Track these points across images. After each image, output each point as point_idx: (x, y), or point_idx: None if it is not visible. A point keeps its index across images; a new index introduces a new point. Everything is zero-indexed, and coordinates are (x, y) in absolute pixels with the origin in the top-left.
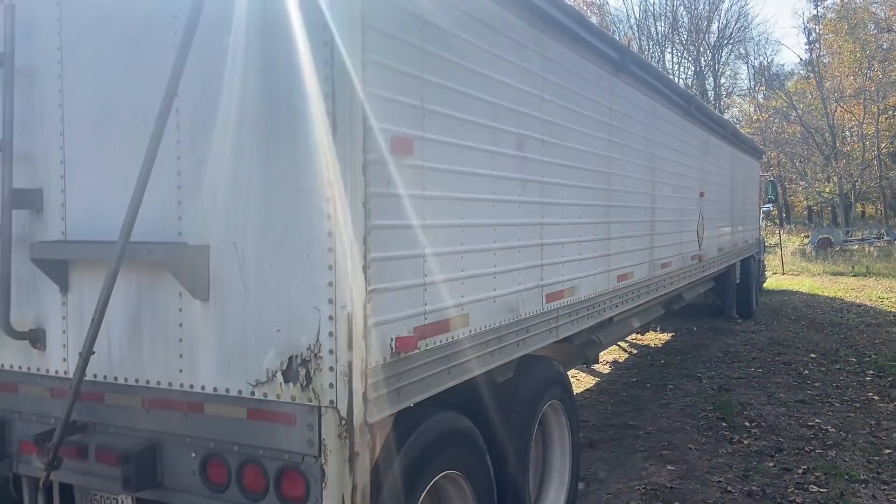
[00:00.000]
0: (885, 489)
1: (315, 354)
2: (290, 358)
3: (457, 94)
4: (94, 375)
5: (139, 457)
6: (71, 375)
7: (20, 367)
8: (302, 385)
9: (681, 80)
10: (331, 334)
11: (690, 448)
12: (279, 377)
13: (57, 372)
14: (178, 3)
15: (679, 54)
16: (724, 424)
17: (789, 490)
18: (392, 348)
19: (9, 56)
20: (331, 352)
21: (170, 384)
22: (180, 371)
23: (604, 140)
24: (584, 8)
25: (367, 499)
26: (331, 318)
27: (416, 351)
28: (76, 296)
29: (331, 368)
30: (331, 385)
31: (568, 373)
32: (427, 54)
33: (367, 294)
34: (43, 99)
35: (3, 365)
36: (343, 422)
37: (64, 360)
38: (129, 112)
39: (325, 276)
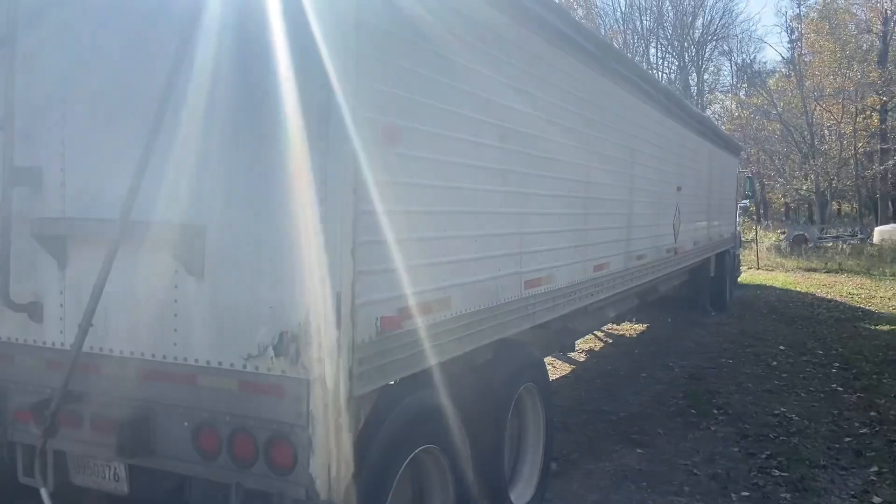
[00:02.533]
0: (843, 474)
1: (305, 331)
2: (282, 334)
3: (444, 87)
4: (91, 347)
5: (133, 425)
6: (67, 347)
7: (17, 339)
8: (292, 359)
9: (664, 76)
10: (321, 313)
11: (660, 433)
12: (270, 352)
13: (53, 343)
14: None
15: (663, 49)
16: (693, 411)
17: (752, 473)
18: (377, 327)
19: (11, 37)
20: (320, 328)
21: (164, 357)
22: (174, 344)
23: (584, 134)
24: (572, 1)
25: (350, 468)
26: (321, 296)
27: (400, 330)
28: (74, 271)
29: (320, 344)
30: (319, 360)
31: (544, 359)
32: (418, 48)
33: (354, 275)
34: (45, 80)
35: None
36: (330, 394)
37: (61, 332)
38: (128, 94)
39: (317, 258)
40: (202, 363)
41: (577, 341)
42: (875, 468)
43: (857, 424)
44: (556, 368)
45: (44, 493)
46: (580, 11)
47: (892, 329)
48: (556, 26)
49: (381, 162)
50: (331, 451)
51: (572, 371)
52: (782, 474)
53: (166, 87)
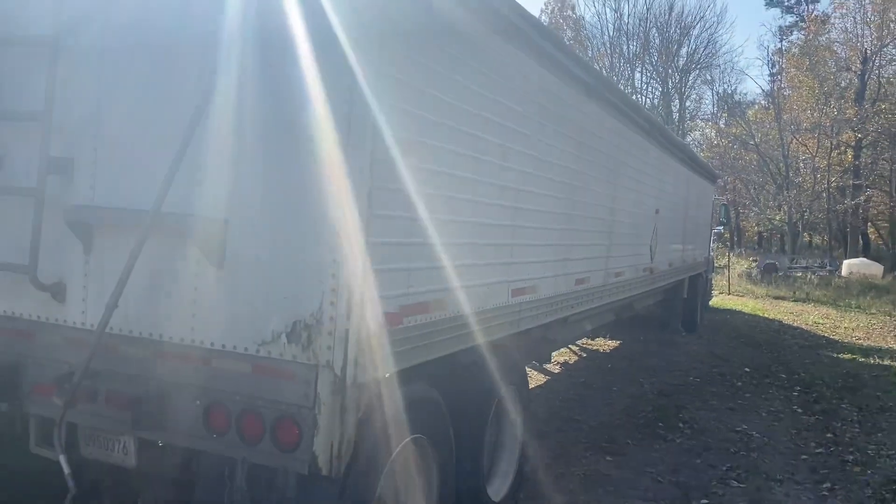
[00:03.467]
0: (797, 488)
1: (318, 321)
2: (295, 322)
3: (451, 106)
4: (111, 328)
5: (148, 401)
6: (88, 326)
7: (38, 317)
8: (303, 346)
9: (648, 100)
10: (332, 304)
11: (629, 443)
12: (283, 338)
13: (75, 323)
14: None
15: (648, 74)
16: (660, 424)
17: (712, 483)
18: (382, 322)
19: (55, 38)
20: (331, 319)
21: (181, 339)
22: (192, 329)
23: (573, 155)
24: (562, 22)
25: (351, 448)
26: (333, 290)
27: (401, 326)
28: (98, 256)
29: (329, 333)
30: (329, 347)
31: (525, 365)
32: (430, 71)
33: (365, 273)
34: (82, 78)
35: (21, 314)
36: (337, 379)
37: (83, 312)
38: (159, 96)
39: (332, 255)
40: (217, 347)
41: (553, 354)
42: (828, 484)
43: (813, 444)
44: (533, 378)
45: (63, 459)
46: (569, 32)
47: (853, 358)
48: (555, 56)
49: (394, 171)
50: (334, 432)
51: (547, 382)
52: (740, 485)
53: (202, 94)
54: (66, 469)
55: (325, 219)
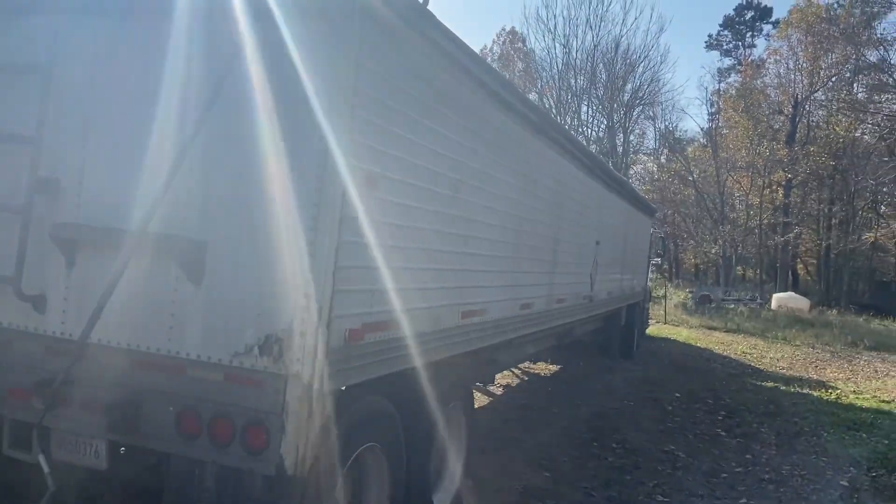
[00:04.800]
0: (716, 503)
1: (288, 335)
2: (267, 336)
3: (411, 143)
4: (90, 338)
5: (123, 406)
6: (67, 336)
7: (17, 326)
8: (275, 358)
9: (594, 133)
10: (303, 320)
11: (565, 460)
12: (256, 350)
13: (54, 332)
14: (191, 24)
15: (595, 108)
16: (595, 444)
17: (640, 498)
18: (346, 337)
19: (48, 65)
20: (301, 334)
21: (158, 350)
22: (168, 340)
23: (519, 188)
24: (513, 54)
25: (314, 451)
26: (305, 308)
27: (363, 342)
28: (80, 270)
29: (299, 347)
30: (298, 359)
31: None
32: (392, 110)
33: (333, 293)
34: (71, 102)
35: (1, 322)
36: (305, 388)
37: (62, 322)
38: (143, 122)
39: (304, 275)
40: (193, 357)
41: (497, 376)
42: (744, 500)
43: (733, 464)
44: (477, 399)
45: (42, 459)
46: (520, 65)
47: (776, 386)
48: (503, 95)
49: (362, 202)
50: (300, 436)
51: (490, 403)
52: (665, 500)
53: (193, 124)
54: (45, 468)
55: (299, 243)
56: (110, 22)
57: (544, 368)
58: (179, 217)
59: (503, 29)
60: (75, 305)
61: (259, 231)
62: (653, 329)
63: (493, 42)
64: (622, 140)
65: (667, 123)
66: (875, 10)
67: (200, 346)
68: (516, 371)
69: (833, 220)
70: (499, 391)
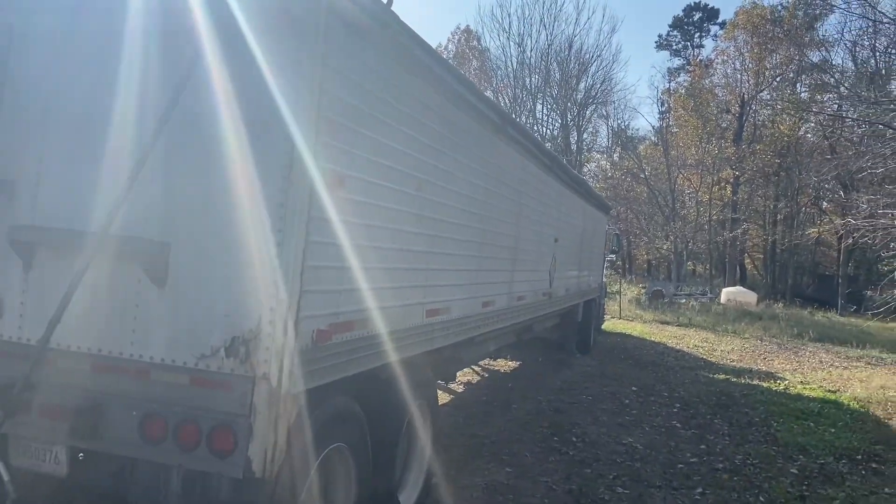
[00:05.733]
0: (673, 493)
1: (256, 336)
2: (234, 338)
3: (376, 143)
4: (50, 342)
5: (85, 412)
6: (24, 341)
7: None
8: (241, 360)
9: (549, 131)
10: (271, 322)
11: (526, 455)
12: (222, 353)
13: (10, 337)
14: (148, 25)
15: (549, 107)
16: (555, 438)
17: (600, 490)
18: (314, 338)
19: (3, 64)
20: (269, 335)
21: (120, 353)
22: (132, 343)
23: (482, 188)
24: (468, 52)
25: (283, 453)
26: (272, 309)
27: (330, 342)
28: (37, 273)
29: (267, 348)
30: (265, 361)
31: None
32: (357, 111)
33: (301, 293)
34: (28, 104)
35: None
36: (272, 390)
37: (19, 327)
38: (103, 123)
39: (272, 276)
40: (157, 361)
41: (458, 373)
42: (700, 489)
43: (689, 455)
44: (439, 397)
45: (1, 467)
46: (475, 63)
47: (727, 378)
48: (466, 96)
49: (329, 202)
50: (268, 438)
51: (452, 400)
52: (625, 491)
53: (155, 123)
54: (5, 476)
55: (266, 244)
56: (66, 18)
57: (504, 365)
58: (142, 218)
59: (458, 27)
60: (33, 309)
61: (224, 232)
62: (608, 324)
63: (449, 40)
64: (576, 138)
65: (619, 122)
66: (817, 12)
67: (165, 350)
68: (477, 368)
69: (778, 217)
70: (460, 388)
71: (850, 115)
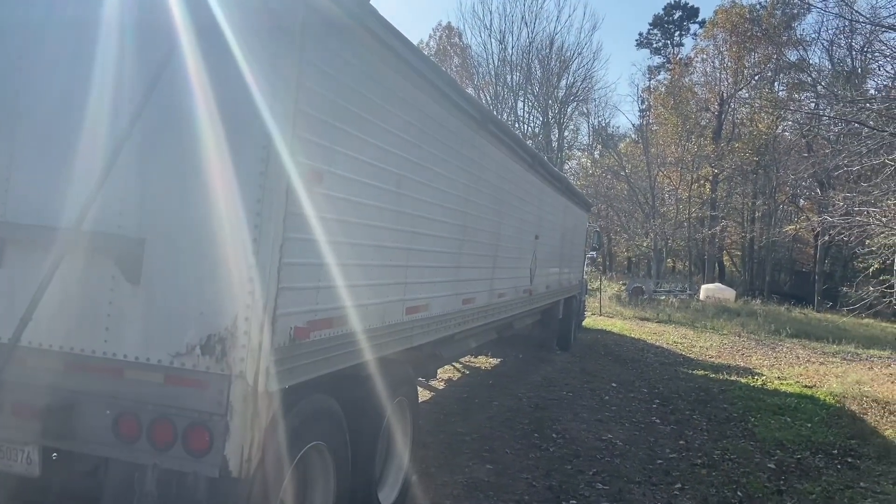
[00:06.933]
0: (653, 489)
1: (232, 334)
2: (210, 336)
3: (355, 139)
4: (21, 340)
5: (57, 411)
6: None
7: None
8: (217, 358)
9: (530, 128)
10: (247, 319)
11: (507, 452)
12: (197, 350)
13: None
14: (123, 17)
15: (531, 104)
16: (536, 435)
17: (581, 486)
18: (291, 335)
19: None
20: (245, 333)
21: (93, 351)
22: (105, 341)
23: (463, 184)
24: (449, 49)
25: (260, 452)
26: (248, 306)
27: (308, 339)
28: (8, 270)
29: (243, 346)
30: (242, 359)
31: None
32: (335, 105)
33: (278, 290)
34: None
35: None
36: (249, 388)
37: None
38: (75, 116)
39: (248, 273)
40: (130, 358)
41: (439, 370)
42: (679, 485)
43: (668, 450)
44: (420, 394)
45: None
46: (456, 60)
47: (706, 374)
48: (446, 92)
49: (306, 198)
50: (244, 437)
51: (432, 397)
52: (605, 487)
53: (129, 117)
54: None
55: (242, 240)
56: (39, 10)
57: (485, 362)
58: (115, 214)
59: (439, 24)
60: (4, 307)
61: (199, 228)
62: (589, 321)
63: (430, 37)
64: (557, 136)
65: (600, 120)
66: (795, 11)
67: (139, 348)
68: (457, 365)
69: (756, 214)
70: (441, 386)
71: (826, 114)
